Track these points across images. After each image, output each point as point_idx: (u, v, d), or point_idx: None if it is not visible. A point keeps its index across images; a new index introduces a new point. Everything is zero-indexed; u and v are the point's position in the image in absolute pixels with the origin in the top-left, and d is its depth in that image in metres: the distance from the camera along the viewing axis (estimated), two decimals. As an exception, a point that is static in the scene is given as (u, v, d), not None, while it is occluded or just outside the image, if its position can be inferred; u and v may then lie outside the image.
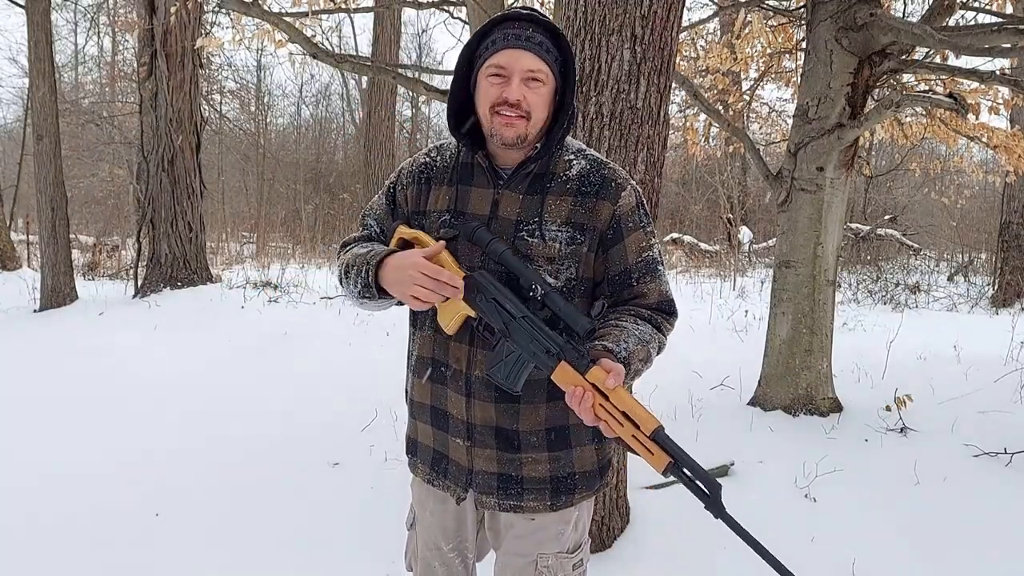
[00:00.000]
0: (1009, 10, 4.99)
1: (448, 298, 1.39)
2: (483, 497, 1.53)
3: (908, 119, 6.51)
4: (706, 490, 1.28)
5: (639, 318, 1.47)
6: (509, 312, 1.38)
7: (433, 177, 1.54)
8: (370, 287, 1.43)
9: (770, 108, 12.47)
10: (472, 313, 1.42)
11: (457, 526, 1.61)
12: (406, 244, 1.51)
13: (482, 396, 1.46)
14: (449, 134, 1.54)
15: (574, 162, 1.48)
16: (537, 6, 6.09)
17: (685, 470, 1.29)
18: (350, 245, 1.61)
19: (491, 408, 1.47)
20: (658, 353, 1.48)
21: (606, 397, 1.30)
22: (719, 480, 3.46)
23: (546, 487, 1.50)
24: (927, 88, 5.70)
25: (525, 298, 1.39)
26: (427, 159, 1.57)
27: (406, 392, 1.62)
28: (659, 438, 1.28)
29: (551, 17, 3.08)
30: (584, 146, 1.54)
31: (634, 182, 1.51)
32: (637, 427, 1.29)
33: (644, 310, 1.48)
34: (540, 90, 1.40)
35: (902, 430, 4.11)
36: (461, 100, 1.48)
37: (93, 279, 10.32)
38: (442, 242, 1.43)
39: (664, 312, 1.50)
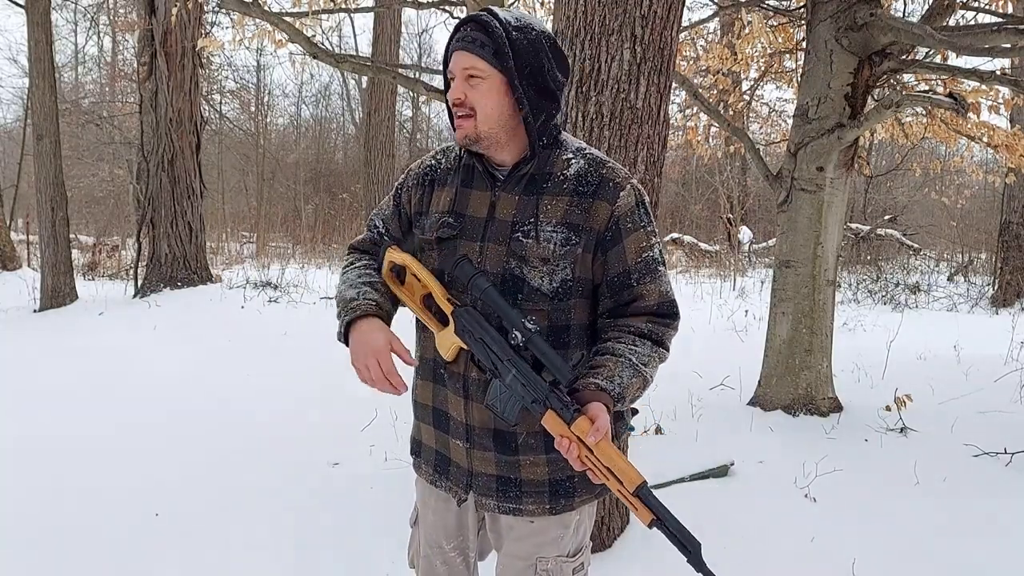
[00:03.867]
0: (1009, 10, 4.99)
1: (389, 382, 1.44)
2: (483, 499, 1.53)
3: (908, 119, 6.50)
4: (688, 547, 1.29)
5: (638, 336, 1.44)
6: (496, 354, 1.39)
7: (437, 179, 1.56)
8: (341, 335, 1.52)
9: (770, 108, 12.48)
10: (464, 346, 1.43)
11: (458, 525, 1.62)
12: (396, 267, 1.54)
13: (479, 398, 1.46)
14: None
15: (572, 161, 1.47)
16: (537, 6, 6.09)
17: (668, 526, 1.30)
18: (354, 254, 1.66)
19: (488, 410, 1.47)
20: (660, 363, 1.47)
21: (591, 450, 1.30)
22: (719, 480, 3.47)
23: (544, 490, 1.50)
24: (927, 88, 5.70)
25: (510, 339, 1.39)
26: (432, 161, 1.59)
27: (412, 392, 1.63)
28: (642, 495, 1.29)
29: (549, 16, 3.08)
30: (585, 145, 1.52)
31: (635, 180, 1.49)
32: (621, 482, 1.30)
33: (644, 323, 1.45)
34: (480, 86, 1.40)
35: (902, 430, 4.11)
36: None
37: (93, 279, 10.33)
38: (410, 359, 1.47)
39: (665, 316, 1.47)
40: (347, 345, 1.49)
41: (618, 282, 1.45)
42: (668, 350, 1.48)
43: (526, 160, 1.44)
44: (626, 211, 1.44)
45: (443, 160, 1.58)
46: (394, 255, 1.53)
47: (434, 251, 1.51)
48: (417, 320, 1.59)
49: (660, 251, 1.49)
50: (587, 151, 1.49)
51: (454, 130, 1.48)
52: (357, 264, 1.62)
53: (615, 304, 1.47)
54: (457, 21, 1.47)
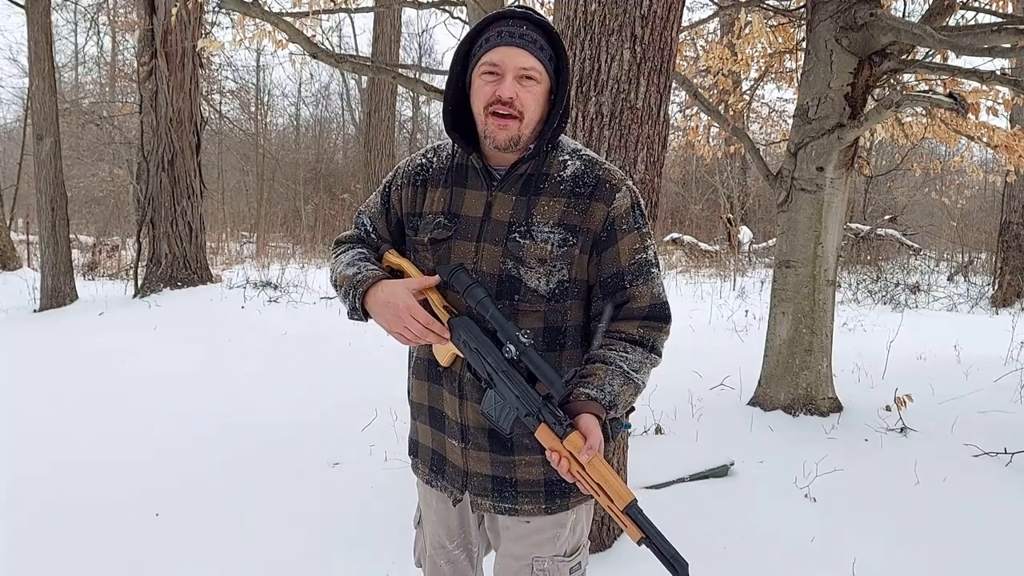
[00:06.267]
0: (1009, 10, 4.99)
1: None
2: (478, 499, 1.53)
3: (908, 119, 6.50)
4: (676, 566, 1.30)
5: (630, 343, 1.43)
6: (491, 365, 1.38)
7: (429, 179, 1.53)
8: (357, 311, 1.46)
9: (770, 108, 12.48)
10: (461, 355, 1.43)
11: (460, 524, 1.62)
12: (392, 271, 1.52)
13: (474, 398, 1.45)
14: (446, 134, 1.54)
15: (569, 162, 1.46)
16: (537, 6, 6.08)
17: (656, 544, 1.31)
18: (343, 246, 1.63)
19: (484, 417, 1.46)
20: (653, 368, 1.47)
21: (583, 467, 1.31)
22: (719, 480, 3.47)
23: (540, 490, 1.49)
24: (927, 88, 5.70)
25: (504, 353, 1.38)
26: (423, 160, 1.56)
27: (408, 393, 1.63)
28: (632, 513, 1.30)
29: (549, 16, 3.08)
30: (580, 146, 1.52)
31: (631, 182, 1.49)
32: (612, 500, 1.31)
33: (636, 328, 1.45)
34: (533, 89, 1.38)
35: (902, 430, 4.11)
36: (456, 99, 1.47)
37: (93, 279, 10.33)
38: (434, 278, 1.44)
39: (657, 319, 1.47)
40: (364, 319, 1.48)
41: (611, 283, 1.45)
42: (660, 355, 1.48)
43: (524, 159, 1.43)
44: (622, 212, 1.44)
45: (435, 159, 1.55)
46: (392, 259, 1.52)
47: (428, 252, 1.49)
48: None
49: (654, 253, 1.49)
50: (582, 152, 1.49)
51: (454, 121, 1.46)
52: (349, 250, 1.60)
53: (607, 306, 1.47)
54: (506, 8, 1.41)
